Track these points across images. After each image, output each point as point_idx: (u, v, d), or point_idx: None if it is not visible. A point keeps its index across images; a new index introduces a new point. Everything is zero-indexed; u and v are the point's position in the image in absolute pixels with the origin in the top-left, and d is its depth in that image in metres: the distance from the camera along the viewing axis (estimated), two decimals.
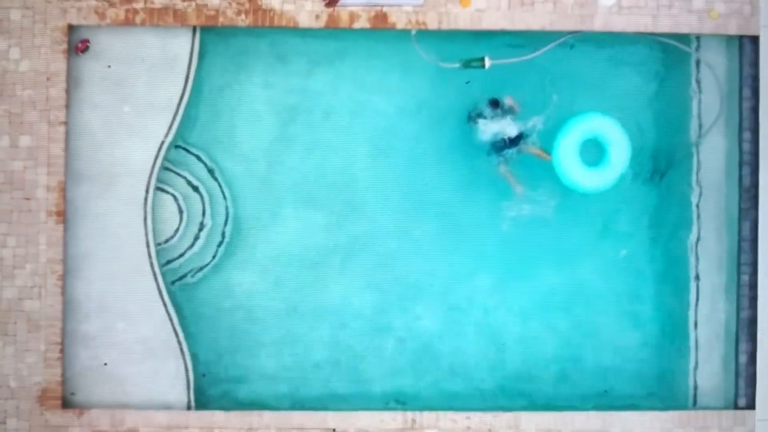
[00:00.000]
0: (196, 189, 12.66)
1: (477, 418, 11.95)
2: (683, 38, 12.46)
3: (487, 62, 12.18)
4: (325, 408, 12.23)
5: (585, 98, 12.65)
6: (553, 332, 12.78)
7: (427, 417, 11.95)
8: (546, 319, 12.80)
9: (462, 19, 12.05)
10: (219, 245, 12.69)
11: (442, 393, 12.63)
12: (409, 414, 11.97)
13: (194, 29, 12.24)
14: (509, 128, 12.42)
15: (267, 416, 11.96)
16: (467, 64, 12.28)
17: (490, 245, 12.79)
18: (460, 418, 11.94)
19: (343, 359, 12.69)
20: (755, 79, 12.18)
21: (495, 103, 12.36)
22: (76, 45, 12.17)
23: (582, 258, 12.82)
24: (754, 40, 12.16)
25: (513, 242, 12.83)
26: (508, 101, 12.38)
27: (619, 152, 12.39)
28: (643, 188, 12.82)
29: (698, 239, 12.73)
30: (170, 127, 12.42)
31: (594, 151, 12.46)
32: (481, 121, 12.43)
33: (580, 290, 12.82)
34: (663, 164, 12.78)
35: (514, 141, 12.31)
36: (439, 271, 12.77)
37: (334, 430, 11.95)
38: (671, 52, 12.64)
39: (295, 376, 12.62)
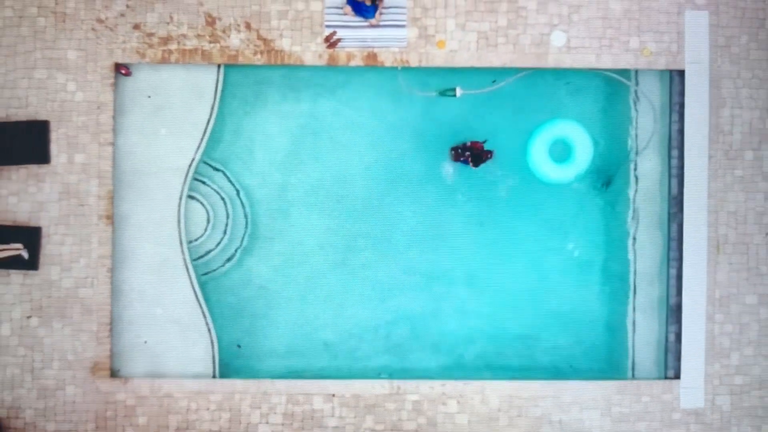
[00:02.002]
0: (220, 197, 13.38)
1: (450, 386, 12.94)
2: (623, 72, 13.31)
3: (459, 92, 13.05)
4: (326, 378, 13.08)
5: (542, 121, 13.43)
6: (517, 317, 13.59)
7: (409, 385, 12.95)
8: (511, 306, 13.58)
9: (438, 58, 12.93)
10: (240, 243, 13.42)
11: (423, 366, 13.40)
12: (395, 382, 12.94)
13: (219, 66, 13.14)
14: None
15: (278, 383, 12.90)
16: (442, 93, 13.12)
17: (465, 244, 13.59)
18: (437, 386, 12.94)
19: (343, 338, 13.48)
20: (681, 106, 13.21)
21: (477, 160, 12.97)
22: (120, 71, 12.95)
23: (542, 255, 13.61)
24: (681, 73, 13.20)
25: (485, 241, 13.58)
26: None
27: (583, 151, 13.26)
28: (591, 195, 13.58)
29: (635, 239, 13.58)
30: (199, 146, 13.21)
31: (562, 150, 13.37)
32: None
33: (540, 282, 13.61)
34: (607, 176, 13.54)
35: (477, 161, 12.94)
36: (422, 267, 13.56)
37: (333, 395, 12.88)
38: (613, 84, 13.42)
39: (302, 352, 13.40)
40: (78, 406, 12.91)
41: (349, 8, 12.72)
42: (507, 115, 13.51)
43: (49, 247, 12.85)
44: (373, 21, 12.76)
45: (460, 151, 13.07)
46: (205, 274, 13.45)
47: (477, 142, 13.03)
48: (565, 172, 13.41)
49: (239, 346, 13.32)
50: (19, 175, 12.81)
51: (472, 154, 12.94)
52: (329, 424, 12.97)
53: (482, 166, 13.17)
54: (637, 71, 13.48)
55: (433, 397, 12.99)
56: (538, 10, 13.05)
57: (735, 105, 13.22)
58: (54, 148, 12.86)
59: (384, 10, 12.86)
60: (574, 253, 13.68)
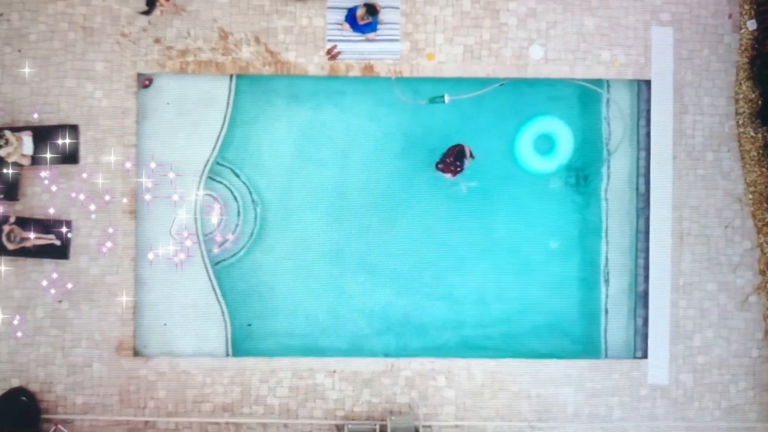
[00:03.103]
0: (233, 194, 13.74)
1: (439, 363, 13.41)
2: (596, 82, 13.74)
3: (447, 98, 13.50)
4: (328, 355, 13.48)
5: (527, 118, 13.73)
6: (500, 303, 13.93)
7: (402, 362, 13.40)
8: (495, 294, 13.93)
9: (428, 69, 13.42)
10: (250, 236, 13.76)
11: (415, 346, 13.82)
12: (389, 360, 13.40)
13: (231, 76, 13.51)
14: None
15: (284, 361, 13.37)
16: (432, 100, 13.55)
17: (453, 237, 13.98)
18: (427, 362, 13.39)
19: (343, 322, 13.87)
20: (648, 112, 13.62)
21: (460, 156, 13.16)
22: (143, 82, 13.36)
23: (524, 246, 13.99)
24: (648, 83, 13.61)
25: (470, 235, 13.98)
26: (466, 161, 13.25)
27: (565, 145, 13.63)
28: (567, 193, 14.00)
29: (607, 231, 14.01)
30: (213, 149, 13.56)
31: (545, 144, 13.78)
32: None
33: (521, 271, 13.95)
34: (582, 175, 14.01)
35: (460, 163, 13.24)
36: (414, 258, 13.94)
37: (334, 371, 13.33)
38: (587, 92, 13.86)
39: (306, 334, 13.76)
40: (104, 381, 13.36)
41: (346, 24, 13.26)
42: (491, 117, 13.88)
43: (78, 239, 13.27)
44: (371, 36, 13.28)
45: (448, 162, 13.33)
46: (219, 263, 13.77)
47: (453, 147, 13.27)
48: (548, 163, 13.70)
49: (250, 325, 13.62)
50: (52, 174, 13.21)
51: (455, 157, 13.23)
52: (330, 397, 13.45)
53: (463, 167, 13.49)
54: (608, 81, 13.88)
55: (424, 373, 13.46)
56: (518, 25, 13.55)
57: (697, 111, 13.71)
58: (83, 150, 13.29)
59: (380, 26, 13.39)
60: (552, 245, 14.04)
